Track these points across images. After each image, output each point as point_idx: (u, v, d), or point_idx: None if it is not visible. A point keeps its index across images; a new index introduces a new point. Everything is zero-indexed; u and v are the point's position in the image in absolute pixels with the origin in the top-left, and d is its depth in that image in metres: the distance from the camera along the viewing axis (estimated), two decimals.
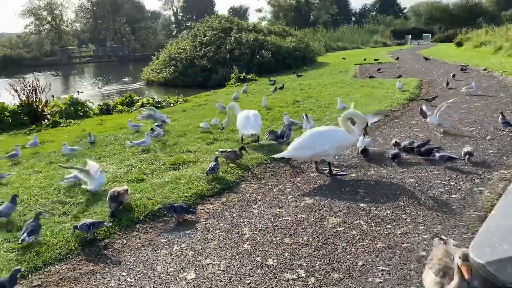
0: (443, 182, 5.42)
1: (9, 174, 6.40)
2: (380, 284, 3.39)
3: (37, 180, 6.17)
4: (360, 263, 3.70)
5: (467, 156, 5.97)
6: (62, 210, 5.06)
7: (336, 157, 6.52)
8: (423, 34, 59.12)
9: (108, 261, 4.03)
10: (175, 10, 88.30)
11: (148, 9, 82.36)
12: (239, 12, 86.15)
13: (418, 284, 3.33)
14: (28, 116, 12.47)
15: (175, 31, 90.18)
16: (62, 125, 11.96)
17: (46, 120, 12.79)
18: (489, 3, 69.36)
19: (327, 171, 6.00)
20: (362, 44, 47.02)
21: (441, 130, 7.82)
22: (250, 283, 3.53)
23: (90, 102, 14.47)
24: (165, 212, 4.83)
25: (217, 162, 5.85)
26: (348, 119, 5.98)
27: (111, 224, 4.56)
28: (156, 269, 3.82)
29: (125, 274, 3.78)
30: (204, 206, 5.15)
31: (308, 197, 5.23)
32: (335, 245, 4.04)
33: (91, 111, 13.81)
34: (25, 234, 4.19)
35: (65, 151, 7.50)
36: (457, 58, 24.40)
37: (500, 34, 28.93)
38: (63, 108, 13.23)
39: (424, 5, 70.79)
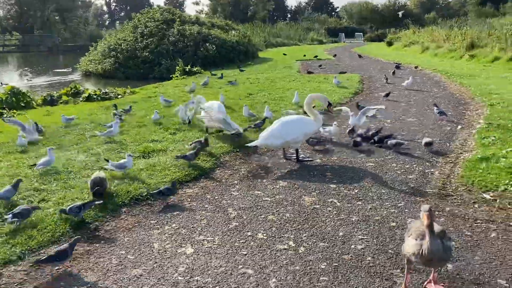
0: (399, 165, 6.07)
1: None
2: (362, 250, 3.86)
3: (2, 169, 6.01)
4: (341, 234, 4.16)
5: (427, 147, 6.59)
6: (40, 197, 5.04)
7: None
8: (355, 33, 62.10)
9: (102, 241, 4.15)
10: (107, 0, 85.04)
11: None
12: (176, 4, 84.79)
13: (393, 249, 3.85)
14: None
15: (107, 22, 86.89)
16: (5, 115, 11.39)
17: None
18: (414, 5, 74.27)
19: (294, 157, 6.43)
20: (300, 41, 48.47)
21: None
22: (246, 253, 3.85)
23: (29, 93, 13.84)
24: (153, 196, 4.97)
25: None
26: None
27: (102, 201, 4.66)
28: (153, 246, 4.02)
29: (123, 252, 3.94)
30: (185, 191, 5.37)
31: (281, 181, 5.63)
32: (315, 220, 4.47)
33: (34, 102, 13.23)
34: (10, 215, 4.22)
35: (20, 143, 7.21)
36: (389, 57, 26.14)
37: (426, 34, 31.35)
38: (4, 98, 12.56)
39: (356, 6, 74.26)
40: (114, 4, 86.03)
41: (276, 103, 10.89)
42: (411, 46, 30.86)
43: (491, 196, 4.91)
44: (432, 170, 5.85)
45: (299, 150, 6.41)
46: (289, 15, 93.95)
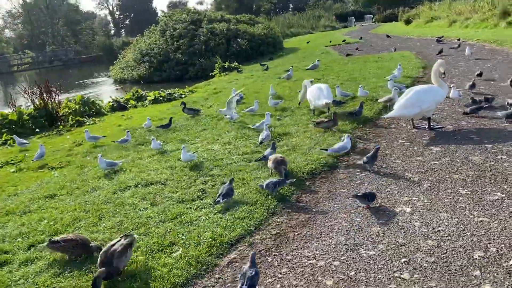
0: None
1: (121, 162, 6.52)
2: None
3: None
4: None
5: None
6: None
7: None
8: (365, 16, 61.83)
9: (313, 210, 4.46)
10: (111, 9, 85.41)
11: (81, 10, 79.11)
12: (179, 7, 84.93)
13: None
14: (45, 119, 12.12)
15: (112, 30, 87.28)
16: (87, 123, 11.78)
17: (61, 122, 12.45)
18: None
19: (423, 126, 6.69)
20: (312, 29, 48.47)
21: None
22: (465, 193, 4.13)
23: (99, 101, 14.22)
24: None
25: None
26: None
27: (294, 179, 4.96)
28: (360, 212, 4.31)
29: (344, 216, 4.24)
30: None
31: (432, 147, 5.89)
32: (501, 175, 4.72)
33: (103, 109, 13.60)
34: (220, 197, 4.55)
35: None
36: (417, 33, 26.18)
37: (444, 8, 31.30)
38: (77, 108, 12.93)
39: None
40: (118, 13, 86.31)
41: (355, 83, 11.07)
42: (434, 21, 30.82)
43: None
44: None
45: (431, 117, 6.67)
46: (291, 6, 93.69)
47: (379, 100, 8.15)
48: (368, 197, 4.28)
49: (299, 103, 8.93)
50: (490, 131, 6.20)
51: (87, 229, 4.51)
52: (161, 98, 14.15)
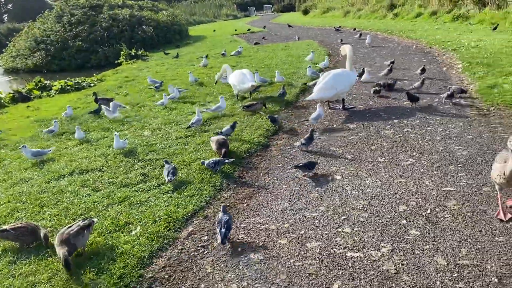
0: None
1: (50, 150, 6.30)
2: (459, 149, 5.04)
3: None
4: (441, 148, 5.30)
5: (449, 98, 7.77)
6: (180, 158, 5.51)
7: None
8: (264, 6, 63.48)
9: (256, 184, 4.86)
10: None
11: None
12: None
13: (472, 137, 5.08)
14: None
15: None
16: None
17: None
18: None
19: (339, 107, 7.45)
20: (215, 17, 48.73)
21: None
22: (383, 161, 4.83)
23: None
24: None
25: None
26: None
27: (232, 159, 5.29)
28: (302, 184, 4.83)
29: (285, 186, 4.71)
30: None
31: (349, 124, 6.63)
32: (411, 144, 5.55)
33: (3, 101, 12.55)
34: (170, 176, 4.78)
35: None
36: (316, 23, 27.84)
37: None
38: None
39: None
40: None
41: (268, 70, 11.68)
42: (330, 12, 32.99)
43: None
44: (459, 100, 7.23)
45: (344, 99, 7.44)
46: None
47: (308, 84, 8.86)
48: (309, 166, 4.79)
49: (215, 82, 9.57)
50: (395, 109, 7.13)
51: (31, 218, 4.41)
52: (68, 88, 13.44)
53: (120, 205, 4.54)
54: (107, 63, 21.59)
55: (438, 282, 2.98)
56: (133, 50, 20.64)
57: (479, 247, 3.31)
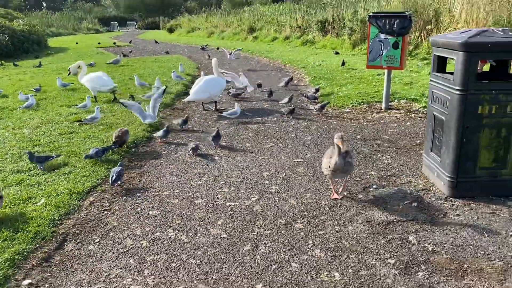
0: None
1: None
2: (306, 136, 6.56)
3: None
4: (292, 135, 6.74)
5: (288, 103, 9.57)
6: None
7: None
8: (127, 22, 62.79)
9: (145, 166, 5.65)
10: None
11: None
12: None
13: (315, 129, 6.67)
14: None
15: None
16: None
17: None
18: None
19: (212, 108, 8.58)
20: (75, 30, 46.70)
21: None
22: (251, 153, 6.05)
23: None
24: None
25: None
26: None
27: (118, 146, 5.97)
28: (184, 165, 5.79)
29: (171, 166, 5.60)
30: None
31: (222, 121, 7.78)
32: (273, 134, 6.91)
33: None
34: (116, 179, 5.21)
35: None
36: (183, 41, 29.05)
37: (201, 21, 35.52)
38: None
39: None
40: None
41: (143, 78, 12.32)
42: (195, 32, 34.56)
43: (348, 109, 8.28)
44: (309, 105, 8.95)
45: (216, 101, 8.61)
46: (44, 4, 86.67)
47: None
48: (195, 149, 5.86)
49: (68, 74, 10.48)
50: (257, 110, 8.54)
51: None
52: None
53: (18, 186, 4.90)
54: None
55: (291, 213, 4.21)
56: None
57: (317, 192, 4.67)
